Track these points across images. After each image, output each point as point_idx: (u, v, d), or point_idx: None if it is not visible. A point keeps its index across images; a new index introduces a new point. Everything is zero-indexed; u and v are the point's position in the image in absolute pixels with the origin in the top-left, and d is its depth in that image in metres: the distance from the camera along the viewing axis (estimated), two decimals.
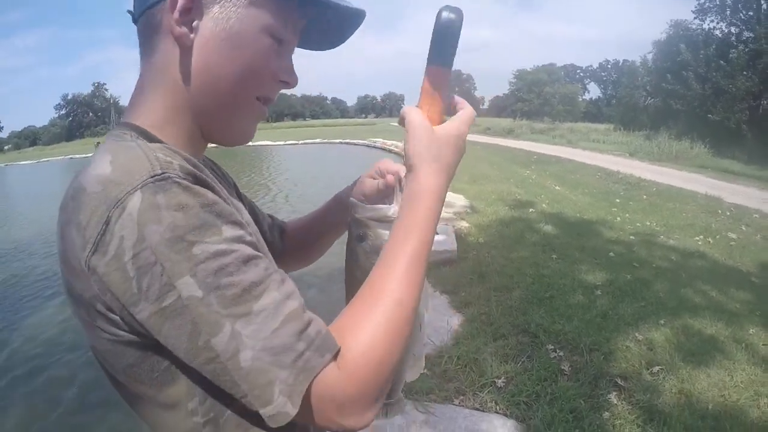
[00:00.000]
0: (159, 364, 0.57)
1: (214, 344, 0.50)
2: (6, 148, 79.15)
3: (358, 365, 0.54)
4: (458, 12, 0.62)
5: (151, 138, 0.62)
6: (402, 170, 0.75)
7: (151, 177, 0.50)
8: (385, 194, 0.81)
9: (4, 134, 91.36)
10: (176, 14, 0.60)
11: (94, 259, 0.50)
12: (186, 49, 0.62)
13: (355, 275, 0.72)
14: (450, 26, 0.62)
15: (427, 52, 0.64)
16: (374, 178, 0.89)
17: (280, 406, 0.51)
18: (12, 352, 4.54)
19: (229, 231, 0.53)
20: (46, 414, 3.53)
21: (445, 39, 0.62)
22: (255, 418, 0.60)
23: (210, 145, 0.73)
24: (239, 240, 0.54)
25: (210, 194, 0.54)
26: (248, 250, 0.54)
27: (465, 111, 0.68)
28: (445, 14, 0.61)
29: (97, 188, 0.51)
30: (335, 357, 0.54)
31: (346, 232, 0.77)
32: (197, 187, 0.53)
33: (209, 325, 0.50)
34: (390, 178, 0.80)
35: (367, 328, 0.56)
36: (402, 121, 0.67)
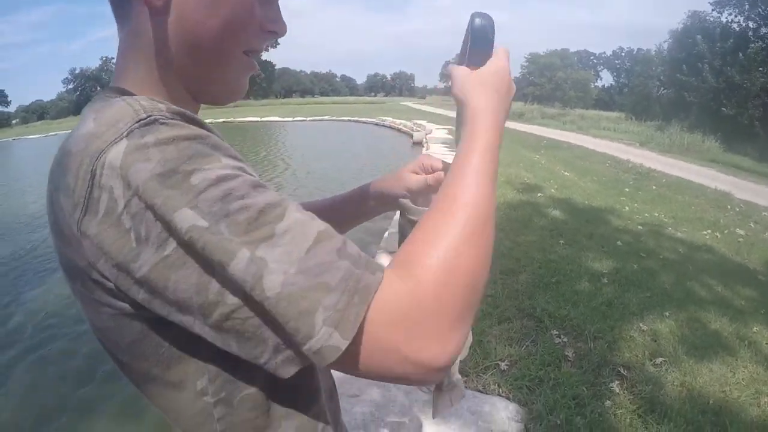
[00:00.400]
0: (164, 339, 0.51)
1: (230, 279, 0.42)
2: (14, 122, 79.03)
3: (432, 271, 0.46)
4: (489, 18, 0.66)
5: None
6: (445, 165, 0.75)
7: (137, 122, 0.45)
8: (434, 189, 0.80)
9: (12, 108, 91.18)
10: None
11: (85, 221, 0.44)
12: (159, 11, 0.54)
13: None
14: (484, 31, 0.66)
15: (463, 53, 0.69)
16: (416, 173, 0.87)
17: (325, 339, 0.42)
18: (21, 324, 4.63)
19: (229, 161, 0.47)
20: (56, 385, 3.60)
21: (480, 42, 0.66)
22: (274, 395, 0.56)
23: (218, 120, 0.68)
24: (241, 170, 0.47)
25: (203, 130, 0.49)
26: (254, 179, 0.47)
27: (498, 50, 0.68)
28: (478, 21, 0.65)
29: (81, 146, 0.46)
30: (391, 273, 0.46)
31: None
32: (188, 124, 0.48)
33: (221, 256, 0.42)
34: (440, 175, 0.80)
35: (442, 235, 0.49)
36: (446, 78, 0.68)
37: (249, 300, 0.42)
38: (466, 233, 0.50)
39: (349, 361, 0.45)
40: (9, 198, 11.49)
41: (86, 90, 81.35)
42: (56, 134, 36.85)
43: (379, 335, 0.44)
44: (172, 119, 0.47)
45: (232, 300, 0.43)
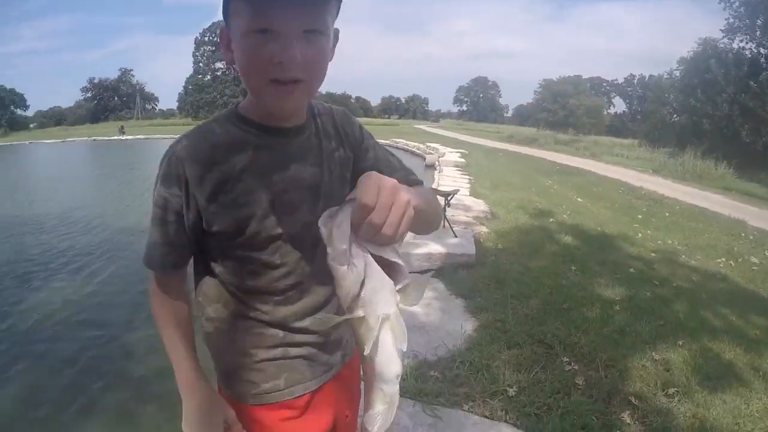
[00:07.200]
0: None
1: None
2: (31, 126, 79.47)
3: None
4: None
5: (237, 113, 0.94)
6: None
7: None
8: None
9: (31, 112, 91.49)
10: (222, 48, 0.88)
11: None
12: (232, 60, 0.86)
13: None
14: None
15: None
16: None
17: None
18: (25, 326, 4.65)
19: (161, 190, 0.91)
20: (52, 387, 3.60)
21: None
22: None
23: None
24: (161, 204, 0.91)
25: (169, 161, 0.90)
26: (156, 214, 0.92)
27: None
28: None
29: None
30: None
31: None
32: (165, 166, 0.90)
33: None
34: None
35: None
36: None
37: None
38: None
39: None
40: (16, 201, 11.49)
41: (104, 99, 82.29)
42: (74, 140, 37.48)
43: None
44: (171, 156, 0.91)
45: None
